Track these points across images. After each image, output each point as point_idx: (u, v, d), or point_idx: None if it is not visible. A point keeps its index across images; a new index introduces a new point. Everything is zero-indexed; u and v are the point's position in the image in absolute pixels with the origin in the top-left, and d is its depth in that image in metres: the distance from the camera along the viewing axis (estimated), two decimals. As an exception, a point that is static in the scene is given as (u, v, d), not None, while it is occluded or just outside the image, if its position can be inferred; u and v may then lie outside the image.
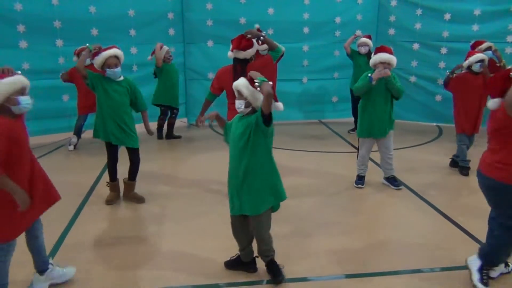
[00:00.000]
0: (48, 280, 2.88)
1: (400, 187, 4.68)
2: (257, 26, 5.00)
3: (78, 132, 6.26)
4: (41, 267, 2.87)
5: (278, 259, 3.05)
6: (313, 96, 7.81)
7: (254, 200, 2.78)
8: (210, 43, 7.29)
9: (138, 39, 6.86)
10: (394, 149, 4.77)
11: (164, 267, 3.21)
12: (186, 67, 7.39)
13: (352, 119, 7.19)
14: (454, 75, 5.09)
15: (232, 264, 3.12)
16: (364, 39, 6.60)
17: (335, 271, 3.14)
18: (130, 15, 6.72)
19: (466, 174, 5.17)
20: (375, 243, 3.55)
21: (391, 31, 7.53)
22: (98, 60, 4.05)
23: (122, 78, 4.17)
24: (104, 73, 4.07)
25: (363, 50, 6.58)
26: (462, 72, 5.11)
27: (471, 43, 5.76)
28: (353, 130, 7.11)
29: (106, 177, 4.61)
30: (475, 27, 7.05)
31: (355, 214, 4.18)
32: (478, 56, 4.92)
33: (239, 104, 2.75)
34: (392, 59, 4.33)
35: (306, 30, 7.44)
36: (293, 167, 5.41)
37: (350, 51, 6.72)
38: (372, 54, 4.56)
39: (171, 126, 6.82)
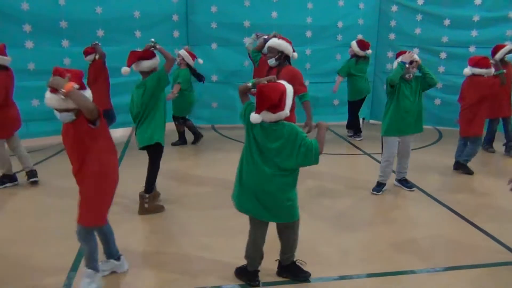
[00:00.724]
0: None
1: (413, 189, 4.77)
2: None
3: None
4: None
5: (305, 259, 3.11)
6: (314, 99, 7.84)
7: (293, 207, 2.85)
8: (214, 46, 7.33)
9: (143, 40, 6.81)
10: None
11: (195, 267, 3.25)
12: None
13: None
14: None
15: (239, 273, 3.10)
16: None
17: (362, 270, 3.20)
18: (136, 17, 6.73)
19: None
20: (398, 243, 3.63)
21: (392, 36, 7.67)
22: None
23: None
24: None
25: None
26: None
27: (491, 49, 5.95)
28: (353, 135, 7.25)
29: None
30: (473, 33, 7.24)
31: (373, 215, 4.26)
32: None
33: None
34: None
35: (308, 34, 7.53)
36: (305, 170, 5.45)
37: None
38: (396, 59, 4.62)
39: (192, 127, 6.73)
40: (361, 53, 6.72)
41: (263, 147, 2.73)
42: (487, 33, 7.16)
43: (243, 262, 3.07)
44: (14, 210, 4.25)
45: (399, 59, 4.46)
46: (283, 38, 4.40)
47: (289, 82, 4.22)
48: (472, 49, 7.24)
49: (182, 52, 6.28)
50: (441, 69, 7.49)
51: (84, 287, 2.83)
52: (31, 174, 4.86)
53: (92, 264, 2.87)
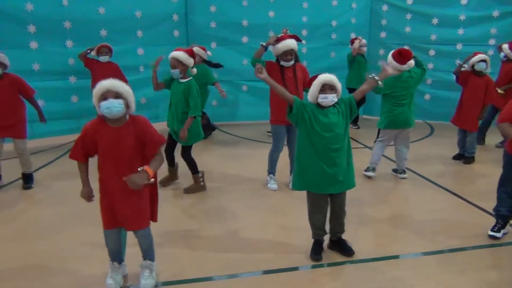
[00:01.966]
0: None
1: (405, 176, 5.12)
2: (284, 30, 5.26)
3: None
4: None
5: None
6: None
7: (353, 176, 3.22)
8: (213, 45, 7.45)
9: (145, 40, 6.94)
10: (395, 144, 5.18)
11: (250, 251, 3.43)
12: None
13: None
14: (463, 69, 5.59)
15: (318, 250, 3.36)
16: (364, 41, 7.14)
17: (376, 254, 3.45)
18: (138, 17, 6.80)
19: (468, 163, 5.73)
20: (410, 227, 3.90)
21: (383, 34, 8.00)
22: None
23: (185, 80, 4.39)
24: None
25: (365, 50, 7.04)
26: (467, 70, 5.59)
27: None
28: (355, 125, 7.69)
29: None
30: (460, 31, 7.63)
31: (380, 202, 4.51)
32: (481, 56, 5.40)
33: (333, 98, 3.07)
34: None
35: (304, 32, 7.75)
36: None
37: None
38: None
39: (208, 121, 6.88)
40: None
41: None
42: (473, 31, 7.57)
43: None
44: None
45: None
46: (291, 36, 4.54)
47: (303, 76, 4.52)
48: (459, 46, 7.64)
49: (196, 49, 6.40)
50: (430, 65, 7.84)
51: (145, 279, 2.92)
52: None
53: (153, 255, 2.99)
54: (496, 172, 3.83)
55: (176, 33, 7.25)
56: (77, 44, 6.34)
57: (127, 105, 2.63)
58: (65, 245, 3.53)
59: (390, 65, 3.56)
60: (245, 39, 7.56)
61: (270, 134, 7.31)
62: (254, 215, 4.18)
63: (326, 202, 3.28)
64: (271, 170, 4.87)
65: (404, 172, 5.14)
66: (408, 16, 7.82)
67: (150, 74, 6.78)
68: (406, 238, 3.70)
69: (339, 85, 3.11)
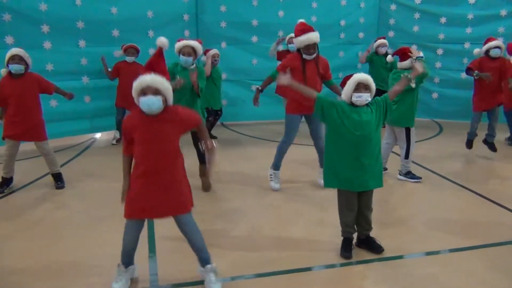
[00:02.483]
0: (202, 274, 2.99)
1: (420, 180, 5.06)
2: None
3: (119, 127, 6.33)
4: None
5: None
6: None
7: (381, 175, 3.28)
8: (223, 45, 7.47)
9: (156, 40, 6.91)
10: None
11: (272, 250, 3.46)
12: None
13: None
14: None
15: (348, 247, 3.39)
16: (383, 41, 7.11)
17: (400, 252, 3.49)
18: (149, 16, 6.79)
19: (469, 147, 6.00)
20: (433, 225, 3.95)
21: (391, 33, 8.05)
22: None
23: (194, 66, 4.54)
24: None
25: (383, 50, 7.09)
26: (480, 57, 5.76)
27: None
28: None
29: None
30: (468, 30, 7.71)
31: (400, 201, 4.55)
32: (496, 42, 5.63)
33: (367, 97, 3.11)
34: None
35: (313, 32, 7.77)
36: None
37: (366, 59, 7.35)
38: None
39: (212, 126, 6.91)
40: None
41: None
42: (480, 30, 7.63)
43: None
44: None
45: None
46: (307, 28, 4.55)
47: (325, 68, 4.57)
48: (467, 45, 7.71)
49: (214, 51, 6.45)
50: (438, 64, 7.92)
51: (214, 283, 2.89)
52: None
53: (208, 254, 2.98)
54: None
55: (186, 32, 7.25)
56: (90, 44, 6.34)
57: (165, 101, 2.70)
58: (97, 244, 3.55)
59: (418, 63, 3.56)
60: (254, 39, 7.58)
61: None
62: (275, 214, 4.22)
63: (357, 200, 3.32)
64: (277, 164, 4.80)
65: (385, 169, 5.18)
66: (416, 15, 7.88)
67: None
68: (431, 236, 3.73)
69: (373, 85, 3.15)
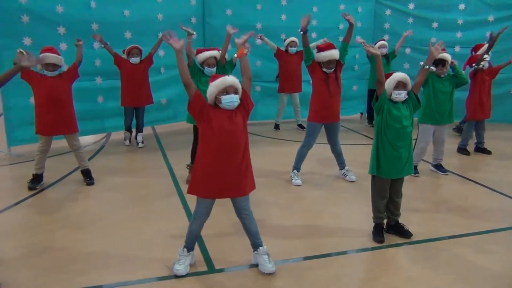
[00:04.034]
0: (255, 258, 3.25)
1: (447, 173, 5.47)
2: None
3: (129, 129, 6.45)
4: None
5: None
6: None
7: (412, 162, 3.63)
8: (229, 47, 7.68)
9: (165, 42, 7.11)
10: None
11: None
12: (206, 69, 7.77)
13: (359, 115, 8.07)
14: (481, 65, 6.09)
15: (381, 232, 3.71)
16: (384, 42, 7.51)
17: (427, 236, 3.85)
18: (159, 19, 6.98)
19: (467, 154, 6.34)
20: (455, 212, 4.33)
21: (386, 37, 8.43)
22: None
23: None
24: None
25: (384, 51, 7.48)
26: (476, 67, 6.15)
27: (471, 48, 6.84)
28: (371, 124, 8.16)
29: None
30: (458, 34, 8.19)
31: (420, 193, 4.91)
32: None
33: (405, 94, 3.45)
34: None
35: (314, 35, 8.09)
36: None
37: (369, 58, 7.74)
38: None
39: None
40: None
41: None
42: (470, 34, 8.12)
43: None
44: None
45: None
46: (330, 45, 4.91)
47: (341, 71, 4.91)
48: (457, 49, 8.18)
49: None
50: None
51: (268, 263, 3.15)
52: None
53: (260, 237, 3.24)
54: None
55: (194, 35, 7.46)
56: (104, 46, 6.49)
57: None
58: (134, 235, 3.76)
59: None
60: (258, 42, 7.83)
61: (299, 129, 7.74)
62: (302, 204, 4.52)
63: (389, 188, 3.64)
64: (297, 166, 5.13)
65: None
66: (410, 20, 8.32)
67: (170, 75, 7.24)
68: (452, 221, 4.10)
69: (410, 83, 3.47)
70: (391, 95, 3.49)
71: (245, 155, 3.04)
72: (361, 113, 9.03)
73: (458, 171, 5.59)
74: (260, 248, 3.20)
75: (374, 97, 3.55)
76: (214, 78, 2.99)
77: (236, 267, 3.25)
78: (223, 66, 4.92)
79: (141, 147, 6.44)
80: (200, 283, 3.05)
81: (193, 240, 3.21)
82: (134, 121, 6.67)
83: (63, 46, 6.16)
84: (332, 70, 4.82)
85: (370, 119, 8.26)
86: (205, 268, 3.23)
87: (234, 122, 2.97)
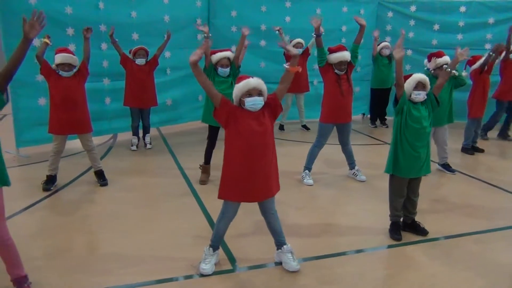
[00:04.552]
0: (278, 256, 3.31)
1: (455, 172, 5.56)
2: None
3: (136, 132, 6.44)
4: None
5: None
6: (321, 97, 8.55)
7: (429, 162, 3.71)
8: (233, 48, 7.73)
9: (171, 43, 7.11)
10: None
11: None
12: (211, 71, 7.81)
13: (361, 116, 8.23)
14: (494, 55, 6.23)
15: (398, 230, 3.78)
16: (387, 43, 7.62)
17: (441, 233, 3.94)
18: (166, 21, 7.02)
19: (472, 154, 6.44)
20: (463, 210, 4.42)
21: (388, 39, 8.53)
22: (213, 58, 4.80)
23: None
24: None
25: (387, 52, 7.59)
26: (476, 68, 6.31)
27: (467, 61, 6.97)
28: (373, 125, 8.34)
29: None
30: (459, 36, 8.31)
31: (433, 194, 4.99)
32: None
33: (425, 95, 3.54)
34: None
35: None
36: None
37: (373, 58, 7.86)
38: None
39: None
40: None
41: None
42: (470, 36, 8.27)
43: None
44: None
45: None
46: (341, 47, 5.05)
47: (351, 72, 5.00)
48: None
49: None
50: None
51: (292, 261, 3.22)
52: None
53: (284, 236, 3.30)
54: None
55: (199, 36, 7.50)
56: (112, 47, 6.45)
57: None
58: (154, 235, 3.80)
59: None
60: (263, 43, 7.92)
61: (304, 129, 7.80)
62: (315, 204, 4.58)
63: (406, 187, 3.71)
64: (309, 166, 5.20)
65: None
66: (412, 22, 8.44)
67: (176, 76, 7.28)
68: (464, 220, 4.19)
69: (429, 84, 3.55)
70: (410, 96, 3.56)
71: (272, 157, 3.08)
72: (363, 114, 9.12)
73: (465, 171, 5.69)
74: (284, 246, 3.25)
75: (394, 99, 3.61)
76: (239, 80, 3.02)
77: (260, 265, 3.30)
78: (237, 68, 4.96)
79: (149, 148, 6.45)
80: (227, 281, 3.09)
81: (219, 239, 3.25)
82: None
83: (71, 47, 6.11)
84: (344, 72, 4.89)
85: (373, 120, 8.35)
86: (229, 267, 3.27)
87: (262, 124, 3.00)
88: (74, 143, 5.74)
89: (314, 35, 4.96)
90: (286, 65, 3.03)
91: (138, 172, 5.46)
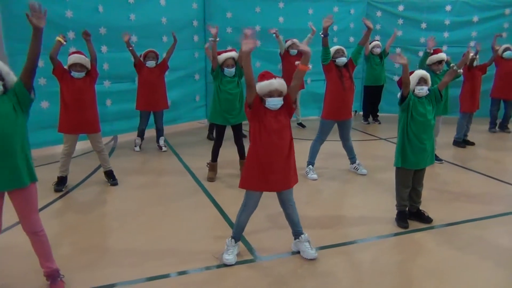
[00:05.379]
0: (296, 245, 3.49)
1: (442, 161, 5.86)
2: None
3: (141, 134, 6.52)
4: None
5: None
6: (314, 95, 8.80)
7: (434, 153, 3.94)
8: (229, 48, 7.88)
9: (169, 45, 7.24)
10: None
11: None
12: (207, 71, 7.94)
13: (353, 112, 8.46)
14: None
15: (405, 219, 3.99)
16: (377, 42, 7.88)
17: (443, 221, 4.17)
18: (163, 23, 7.13)
19: (463, 147, 6.73)
20: (463, 199, 4.67)
21: (377, 37, 8.80)
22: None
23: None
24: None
25: (378, 50, 7.88)
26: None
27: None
28: (366, 121, 8.59)
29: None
30: (445, 34, 8.63)
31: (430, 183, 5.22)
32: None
33: (427, 90, 3.78)
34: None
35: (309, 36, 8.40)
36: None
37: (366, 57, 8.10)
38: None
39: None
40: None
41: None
42: (456, 34, 8.61)
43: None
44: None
45: None
46: None
47: (352, 68, 5.20)
48: (444, 48, 8.56)
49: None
50: (420, 65, 8.79)
51: (310, 249, 3.40)
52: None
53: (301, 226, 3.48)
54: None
55: (195, 38, 7.65)
56: (111, 50, 6.60)
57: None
58: (172, 230, 3.94)
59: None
60: (258, 43, 8.07)
61: (299, 127, 7.99)
62: (322, 197, 4.78)
63: (412, 178, 3.93)
64: (312, 161, 5.39)
65: None
66: (400, 21, 8.72)
67: (174, 77, 7.38)
68: (464, 207, 4.43)
69: (430, 80, 3.78)
70: (414, 91, 3.78)
71: (290, 151, 3.26)
72: (355, 111, 9.36)
73: (458, 162, 5.96)
74: (302, 235, 3.43)
75: (400, 97, 3.82)
76: (262, 78, 3.17)
77: (279, 254, 3.47)
78: (242, 67, 5.09)
79: (164, 151, 6.47)
80: (251, 270, 3.26)
81: (240, 231, 3.41)
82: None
83: (72, 50, 6.21)
84: (344, 61, 5.10)
85: (366, 116, 8.60)
86: (250, 257, 3.43)
87: (280, 121, 3.18)
88: (77, 145, 5.78)
89: (322, 35, 5.12)
90: (298, 63, 3.22)
91: (145, 172, 5.57)
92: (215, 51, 4.99)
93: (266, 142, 3.16)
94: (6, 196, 2.82)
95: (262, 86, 3.14)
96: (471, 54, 6.53)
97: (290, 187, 3.32)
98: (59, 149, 4.96)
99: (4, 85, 2.75)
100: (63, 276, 3.04)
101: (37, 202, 2.90)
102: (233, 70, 5.01)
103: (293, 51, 7.59)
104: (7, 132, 2.68)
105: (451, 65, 4.02)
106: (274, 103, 3.14)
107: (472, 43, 4.06)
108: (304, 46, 3.25)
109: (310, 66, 3.23)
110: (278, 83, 3.13)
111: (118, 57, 6.63)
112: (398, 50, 8.72)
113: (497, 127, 7.86)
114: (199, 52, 7.75)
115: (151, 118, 6.55)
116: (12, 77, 2.81)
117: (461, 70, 4.02)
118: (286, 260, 3.40)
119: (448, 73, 3.98)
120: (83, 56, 4.70)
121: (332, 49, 5.23)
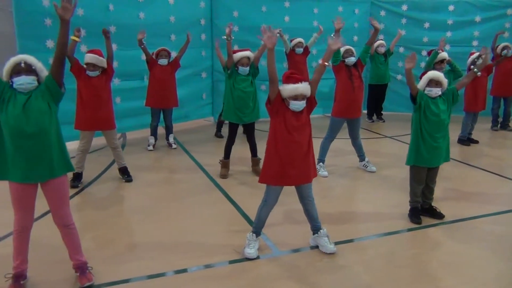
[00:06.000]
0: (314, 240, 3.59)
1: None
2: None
3: (154, 133, 6.57)
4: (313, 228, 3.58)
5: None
6: (319, 93, 8.84)
7: (448, 151, 4.04)
8: (235, 47, 7.96)
9: (177, 43, 7.31)
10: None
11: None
12: (214, 70, 8.04)
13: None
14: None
15: (418, 215, 4.10)
16: (382, 41, 7.99)
17: (453, 217, 4.28)
18: (171, 21, 7.20)
19: (468, 145, 6.85)
20: (472, 196, 4.79)
21: (381, 37, 8.88)
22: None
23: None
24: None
25: (383, 50, 8.00)
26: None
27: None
28: (371, 119, 8.66)
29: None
30: (448, 34, 8.75)
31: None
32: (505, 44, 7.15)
33: (437, 91, 3.86)
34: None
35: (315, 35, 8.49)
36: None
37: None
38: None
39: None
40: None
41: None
42: (459, 34, 8.75)
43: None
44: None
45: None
46: None
47: (362, 68, 5.30)
48: (447, 47, 8.71)
49: None
50: (422, 64, 8.84)
51: (329, 244, 3.50)
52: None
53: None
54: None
55: (203, 36, 7.72)
56: (121, 47, 6.65)
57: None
58: (192, 224, 4.03)
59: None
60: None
61: None
62: (334, 194, 4.88)
63: (425, 175, 4.03)
64: (322, 158, 5.49)
65: None
66: (403, 20, 8.84)
67: (182, 75, 7.45)
68: (475, 204, 4.54)
69: (444, 81, 3.87)
70: (424, 91, 3.89)
71: (309, 147, 3.35)
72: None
73: (463, 160, 6.09)
74: (321, 230, 3.53)
75: (411, 98, 3.93)
76: (289, 79, 3.23)
77: (298, 249, 3.57)
78: (256, 68, 5.19)
79: (174, 148, 6.55)
80: (272, 264, 3.35)
81: (261, 225, 3.50)
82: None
83: (83, 48, 6.29)
84: (354, 60, 5.21)
85: (370, 115, 8.71)
86: (271, 251, 3.53)
87: (300, 118, 3.28)
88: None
89: (332, 36, 5.18)
90: (320, 61, 3.34)
91: (158, 169, 5.65)
92: (230, 49, 5.07)
93: (286, 138, 3.25)
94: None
95: (287, 89, 3.20)
96: (482, 56, 6.69)
97: (309, 181, 3.42)
98: (74, 145, 5.02)
99: (38, 80, 2.83)
100: (92, 268, 3.12)
101: (69, 195, 2.98)
102: (247, 69, 5.10)
103: (299, 50, 7.68)
104: (45, 127, 2.77)
105: (471, 67, 4.13)
106: (298, 106, 3.22)
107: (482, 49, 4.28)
108: (334, 45, 3.40)
109: (329, 63, 3.34)
110: (303, 88, 3.20)
111: (127, 55, 6.71)
112: (401, 49, 8.91)
113: (499, 126, 7.99)
114: (206, 50, 7.83)
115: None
116: (45, 74, 2.89)
117: (479, 73, 4.14)
118: (305, 255, 3.50)
119: (468, 75, 4.08)
120: (96, 56, 4.74)
121: (342, 49, 5.30)
